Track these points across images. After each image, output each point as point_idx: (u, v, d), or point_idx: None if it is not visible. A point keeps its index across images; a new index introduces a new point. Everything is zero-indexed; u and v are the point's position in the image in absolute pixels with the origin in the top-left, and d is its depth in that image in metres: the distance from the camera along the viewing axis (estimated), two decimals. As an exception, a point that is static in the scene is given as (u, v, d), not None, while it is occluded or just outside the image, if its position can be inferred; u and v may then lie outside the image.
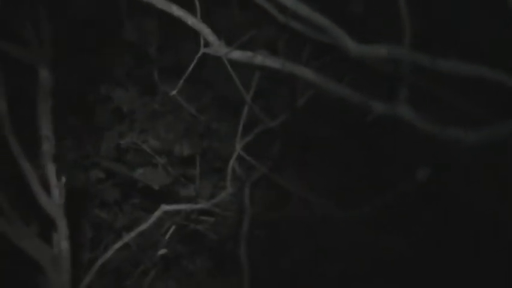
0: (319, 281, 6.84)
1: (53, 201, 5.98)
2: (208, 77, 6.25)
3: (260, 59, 4.24)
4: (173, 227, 7.05)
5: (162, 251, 7.00)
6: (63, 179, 5.99)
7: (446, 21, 5.50)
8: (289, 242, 7.00)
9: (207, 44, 4.23)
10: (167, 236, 7.02)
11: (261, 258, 6.95)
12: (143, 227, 6.31)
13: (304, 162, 6.91)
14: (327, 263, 6.84)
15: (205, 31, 4.14)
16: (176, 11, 4.10)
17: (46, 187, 5.98)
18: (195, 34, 4.25)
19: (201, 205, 6.80)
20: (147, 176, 7.01)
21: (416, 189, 5.91)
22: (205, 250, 7.24)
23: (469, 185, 6.11)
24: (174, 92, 4.98)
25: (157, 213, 6.25)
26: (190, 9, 4.11)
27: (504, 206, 6.02)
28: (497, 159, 5.55)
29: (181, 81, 4.73)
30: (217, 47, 4.17)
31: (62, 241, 5.98)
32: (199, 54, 4.27)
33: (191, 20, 4.11)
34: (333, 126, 6.50)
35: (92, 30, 6.36)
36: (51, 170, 5.99)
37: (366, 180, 6.56)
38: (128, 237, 6.42)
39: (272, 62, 4.26)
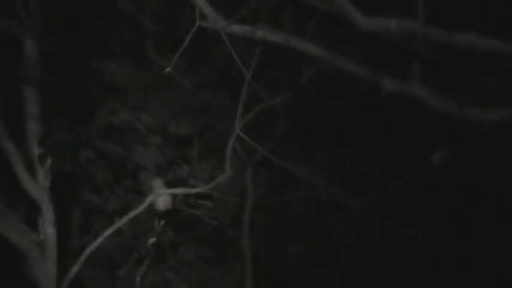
0: (327, 271, 6.85)
1: (38, 184, 5.92)
2: (207, 51, 6.20)
3: (261, 33, 4.22)
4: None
5: (152, 240, 7.00)
6: (49, 160, 5.94)
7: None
8: (295, 228, 6.98)
9: (203, 17, 4.20)
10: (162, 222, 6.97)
11: (265, 245, 6.98)
12: (136, 211, 6.26)
13: (309, 142, 6.89)
14: (335, 252, 6.83)
15: (200, 2, 4.10)
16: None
17: (31, 169, 5.93)
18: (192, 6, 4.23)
19: (198, 188, 6.71)
20: (141, 156, 6.98)
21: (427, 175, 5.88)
22: (205, 237, 7.19)
23: (483, 170, 6.07)
24: (169, 68, 4.95)
25: (151, 197, 6.22)
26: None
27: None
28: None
29: (178, 55, 4.70)
30: (213, 20, 4.15)
31: (48, 226, 5.88)
32: (194, 28, 4.25)
33: (186, -10, 4.07)
34: (339, 104, 6.46)
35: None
36: (36, 150, 5.93)
37: (374, 163, 6.56)
38: (120, 223, 6.36)
39: (274, 36, 4.24)
